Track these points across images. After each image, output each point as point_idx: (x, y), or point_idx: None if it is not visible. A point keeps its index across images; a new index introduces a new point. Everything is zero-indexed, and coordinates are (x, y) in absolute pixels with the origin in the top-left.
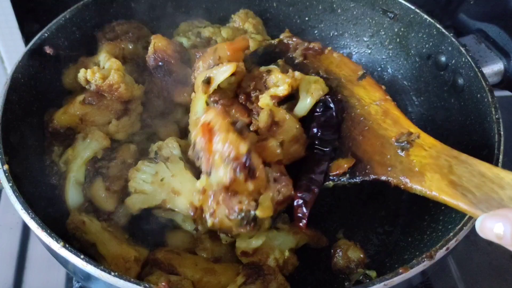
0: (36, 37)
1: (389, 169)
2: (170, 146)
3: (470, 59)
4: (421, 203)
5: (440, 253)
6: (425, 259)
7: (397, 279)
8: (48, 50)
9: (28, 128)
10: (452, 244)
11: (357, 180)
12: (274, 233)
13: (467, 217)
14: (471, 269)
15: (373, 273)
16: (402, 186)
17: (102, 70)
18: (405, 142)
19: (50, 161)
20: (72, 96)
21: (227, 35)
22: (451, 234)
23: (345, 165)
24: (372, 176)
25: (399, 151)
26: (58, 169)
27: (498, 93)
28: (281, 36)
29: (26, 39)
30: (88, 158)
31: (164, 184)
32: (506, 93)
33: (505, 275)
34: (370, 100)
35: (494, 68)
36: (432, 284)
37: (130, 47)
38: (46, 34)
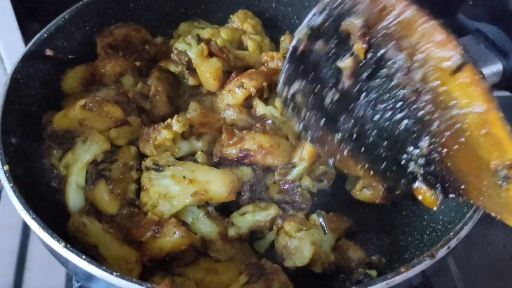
0: (36, 38)
1: (485, 197)
2: (164, 156)
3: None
4: (421, 203)
5: (441, 252)
6: (427, 258)
7: (398, 278)
8: (48, 52)
9: (28, 129)
10: (453, 243)
11: (449, 197)
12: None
13: (467, 216)
14: (471, 269)
15: (373, 273)
16: (496, 217)
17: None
18: (506, 174)
19: (49, 164)
20: (72, 99)
21: (226, 36)
22: (452, 233)
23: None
24: (465, 198)
25: (499, 182)
26: (58, 172)
27: (497, 93)
28: (282, 39)
29: (26, 39)
30: (88, 162)
31: (190, 180)
32: (506, 93)
33: (505, 275)
34: (468, 104)
35: (493, 68)
36: (432, 284)
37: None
38: (46, 35)
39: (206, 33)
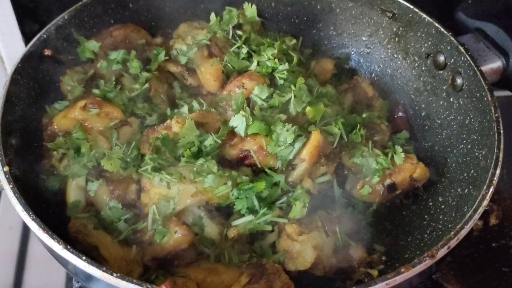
0: (35, 39)
1: None
2: (164, 156)
3: (469, 58)
4: (421, 202)
5: (442, 252)
6: (427, 258)
7: (399, 278)
8: (47, 52)
9: (28, 130)
10: (453, 243)
11: None
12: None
13: (467, 216)
14: (471, 269)
15: (374, 272)
16: None
17: None
18: None
19: (50, 165)
20: (72, 100)
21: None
22: (452, 233)
23: None
24: None
25: None
26: (58, 173)
27: (497, 93)
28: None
29: (26, 39)
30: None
31: (190, 180)
32: (506, 92)
33: (505, 275)
34: None
35: (493, 66)
36: (432, 283)
37: None
38: (45, 36)
39: (206, 33)
